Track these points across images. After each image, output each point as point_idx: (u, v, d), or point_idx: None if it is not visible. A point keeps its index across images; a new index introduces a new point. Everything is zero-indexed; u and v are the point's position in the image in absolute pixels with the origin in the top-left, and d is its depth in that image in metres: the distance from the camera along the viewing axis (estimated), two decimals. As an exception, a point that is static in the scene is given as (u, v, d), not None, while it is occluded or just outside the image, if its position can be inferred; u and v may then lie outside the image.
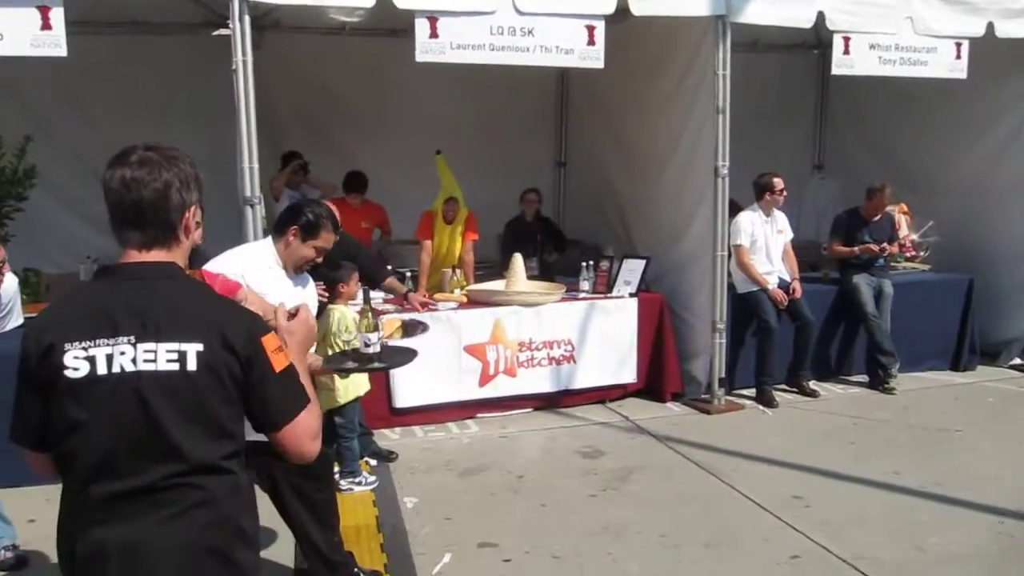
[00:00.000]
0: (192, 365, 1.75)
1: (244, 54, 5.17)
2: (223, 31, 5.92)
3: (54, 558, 4.04)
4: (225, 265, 3.25)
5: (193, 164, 1.91)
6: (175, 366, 1.75)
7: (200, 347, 1.75)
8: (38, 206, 6.85)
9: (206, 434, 1.78)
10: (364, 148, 8.01)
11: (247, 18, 5.18)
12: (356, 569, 3.83)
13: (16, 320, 4.05)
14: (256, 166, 5.34)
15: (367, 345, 2.61)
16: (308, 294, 3.56)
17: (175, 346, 1.75)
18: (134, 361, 1.74)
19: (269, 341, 1.84)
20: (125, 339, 1.75)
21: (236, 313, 1.89)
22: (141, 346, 1.75)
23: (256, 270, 3.28)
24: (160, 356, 1.75)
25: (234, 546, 1.83)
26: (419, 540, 4.35)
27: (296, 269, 3.52)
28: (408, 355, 3.01)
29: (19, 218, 6.47)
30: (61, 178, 7.39)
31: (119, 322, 1.76)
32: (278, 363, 1.83)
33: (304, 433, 1.88)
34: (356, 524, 4.46)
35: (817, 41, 8.61)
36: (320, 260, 3.55)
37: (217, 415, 1.78)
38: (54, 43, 4.79)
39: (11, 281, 3.93)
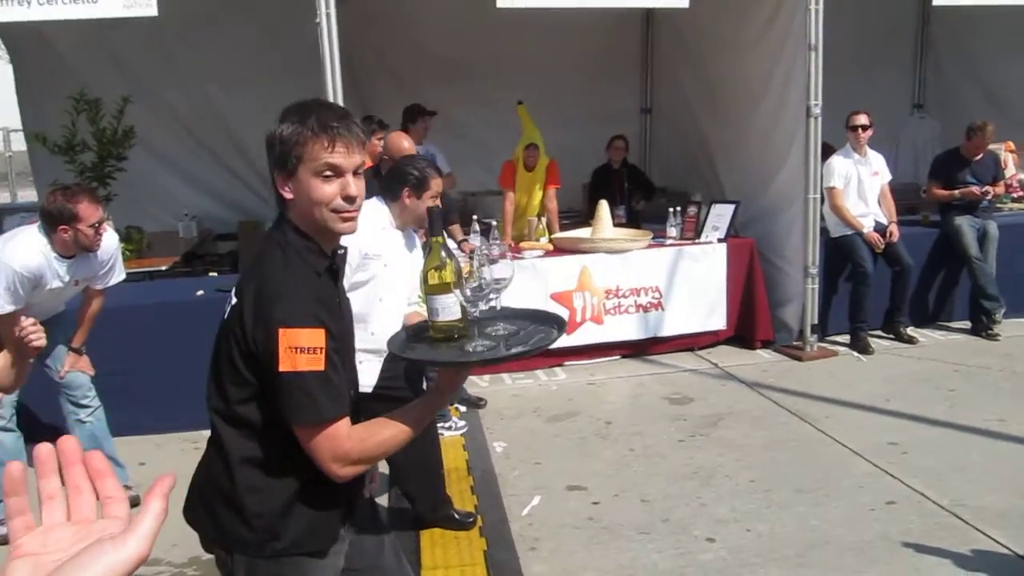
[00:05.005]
0: (226, 313, 1.84)
1: (328, 7, 5.22)
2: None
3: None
4: None
5: (281, 126, 1.77)
6: (227, 310, 1.85)
7: (234, 300, 1.81)
8: (138, 166, 7.10)
9: (215, 381, 1.85)
10: (450, 98, 7.99)
11: (331, -29, 5.22)
12: (453, 511, 3.92)
13: (119, 275, 4.21)
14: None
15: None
16: (415, 258, 3.57)
17: (232, 291, 1.85)
18: (228, 302, 1.87)
19: (288, 336, 1.67)
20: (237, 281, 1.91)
21: (273, 288, 1.73)
22: (233, 290, 1.88)
23: (371, 233, 3.28)
24: (229, 299, 1.86)
25: (215, 499, 1.87)
26: (509, 483, 4.42)
27: (419, 224, 3.56)
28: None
29: (121, 178, 6.71)
30: (158, 138, 7.65)
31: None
32: (284, 363, 1.68)
33: (314, 450, 1.74)
34: (446, 467, 4.53)
35: (919, -28, 8.21)
36: (439, 203, 3.53)
37: (220, 366, 1.83)
38: (145, 3, 4.91)
39: (111, 238, 4.08)
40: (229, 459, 1.81)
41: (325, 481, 1.80)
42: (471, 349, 1.91)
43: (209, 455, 1.89)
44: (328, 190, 1.74)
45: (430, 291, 1.91)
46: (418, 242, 3.62)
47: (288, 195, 1.77)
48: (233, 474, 1.81)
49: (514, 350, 1.91)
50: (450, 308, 1.90)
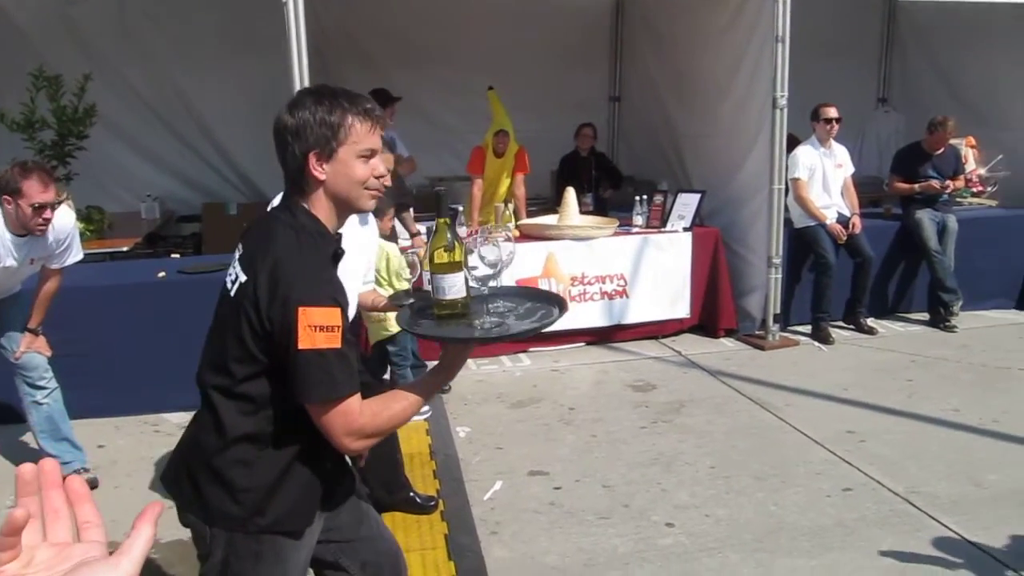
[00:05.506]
0: (234, 291, 1.85)
1: (295, -14, 5.15)
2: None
3: (122, 481, 4.25)
4: None
5: (316, 110, 1.79)
6: (231, 287, 1.87)
7: (244, 278, 1.82)
8: (99, 145, 6.99)
9: (216, 356, 1.87)
10: (419, 83, 7.96)
11: (297, -51, 5.14)
12: (412, 493, 3.92)
13: (76, 255, 4.13)
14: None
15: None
16: (370, 231, 3.55)
17: (238, 270, 1.87)
18: (231, 278, 1.90)
19: (308, 314, 1.71)
20: (238, 258, 1.90)
21: (290, 269, 1.75)
22: (235, 267, 1.89)
23: None
24: (233, 276, 1.88)
25: (202, 473, 1.88)
26: (471, 468, 4.43)
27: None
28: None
29: (81, 156, 6.60)
30: (120, 117, 7.53)
31: (241, 245, 1.93)
32: (304, 341, 1.70)
33: (328, 426, 1.78)
34: (409, 452, 4.54)
35: (885, -33, 8.28)
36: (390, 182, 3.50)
37: (226, 345, 1.83)
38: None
39: (67, 217, 3.99)
40: (225, 435, 1.84)
41: (314, 460, 1.88)
42: (479, 325, 1.96)
43: (200, 429, 1.90)
44: (365, 170, 1.84)
45: (437, 270, 1.95)
46: (371, 219, 3.59)
47: (321, 176, 1.81)
48: (227, 449, 1.84)
49: (523, 326, 1.98)
50: (458, 286, 1.95)
